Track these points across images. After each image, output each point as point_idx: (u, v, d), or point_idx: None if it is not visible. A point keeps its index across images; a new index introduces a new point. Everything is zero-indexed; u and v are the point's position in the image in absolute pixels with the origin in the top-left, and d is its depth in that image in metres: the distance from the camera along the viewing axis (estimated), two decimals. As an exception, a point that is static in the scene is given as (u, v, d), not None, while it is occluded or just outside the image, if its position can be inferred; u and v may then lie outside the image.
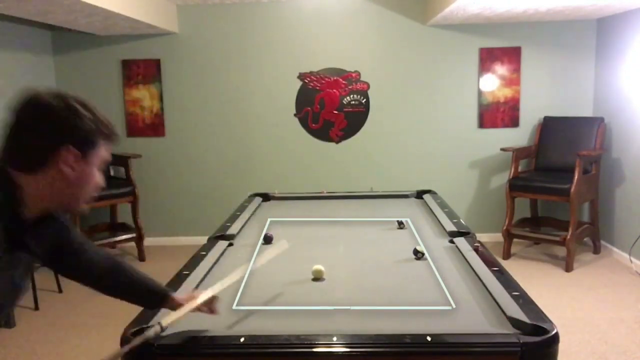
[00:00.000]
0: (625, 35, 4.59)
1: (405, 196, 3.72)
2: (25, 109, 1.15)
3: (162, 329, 1.46)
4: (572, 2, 4.06)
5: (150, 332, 1.43)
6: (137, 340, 1.40)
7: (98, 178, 1.25)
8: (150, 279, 1.60)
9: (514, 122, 5.21)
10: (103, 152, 1.23)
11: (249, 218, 3.13)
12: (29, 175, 1.15)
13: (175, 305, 1.58)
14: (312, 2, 5.14)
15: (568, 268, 4.43)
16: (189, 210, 5.46)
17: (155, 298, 1.59)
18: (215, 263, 2.30)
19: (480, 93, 5.19)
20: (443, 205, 3.26)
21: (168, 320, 1.49)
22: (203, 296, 1.61)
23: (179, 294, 1.67)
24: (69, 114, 1.15)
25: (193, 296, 1.62)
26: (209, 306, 1.64)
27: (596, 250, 4.87)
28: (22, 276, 1.21)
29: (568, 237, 4.40)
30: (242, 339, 1.52)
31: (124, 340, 1.53)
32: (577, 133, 4.85)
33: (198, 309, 1.60)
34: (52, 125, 1.14)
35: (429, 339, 1.50)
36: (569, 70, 5.13)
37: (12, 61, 4.75)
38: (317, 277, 2.09)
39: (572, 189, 4.36)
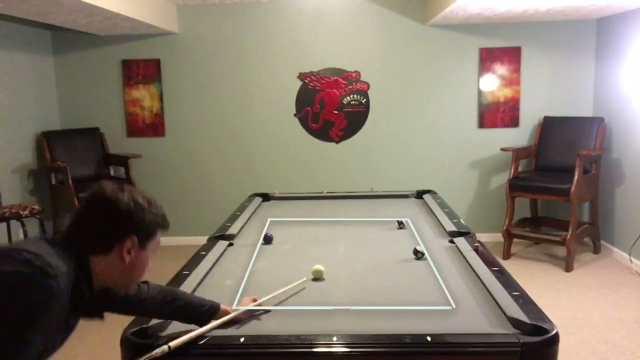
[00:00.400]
0: (625, 35, 4.59)
1: (405, 196, 3.72)
2: (96, 203, 1.32)
3: (170, 349, 1.48)
4: (572, 2, 4.06)
5: (158, 351, 1.47)
6: (142, 358, 1.44)
7: (149, 263, 1.41)
8: (199, 299, 1.71)
9: (514, 122, 5.21)
10: (158, 239, 1.41)
11: (249, 218, 3.13)
12: (96, 258, 1.31)
13: (220, 316, 1.67)
14: (312, 2, 5.14)
15: (568, 268, 4.43)
16: (189, 210, 5.46)
17: (206, 316, 1.66)
18: (215, 263, 2.30)
19: (480, 93, 5.19)
20: (443, 205, 3.26)
21: (177, 342, 1.51)
22: (248, 305, 1.74)
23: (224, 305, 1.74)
24: (135, 209, 1.32)
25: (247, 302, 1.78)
26: (249, 313, 1.76)
27: (596, 250, 4.87)
28: (64, 339, 1.33)
29: (568, 237, 4.40)
30: (242, 339, 1.53)
31: (124, 341, 1.54)
32: (577, 133, 4.85)
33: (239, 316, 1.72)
34: (120, 219, 1.31)
35: (429, 339, 1.50)
36: (569, 70, 5.13)
37: (12, 61, 4.75)
38: (317, 277, 2.09)
39: (572, 189, 4.36)
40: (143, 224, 1.33)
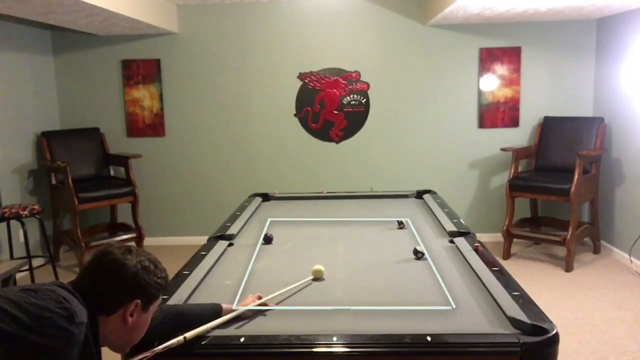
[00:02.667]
0: (625, 35, 4.59)
1: (405, 196, 3.72)
2: (105, 265, 1.34)
3: (185, 340, 1.51)
4: (572, 2, 4.06)
5: (173, 341, 1.49)
6: (159, 348, 1.46)
7: (148, 324, 1.45)
8: (203, 307, 1.71)
9: (514, 122, 5.21)
10: (159, 302, 1.45)
11: (249, 218, 3.13)
12: (103, 317, 1.34)
13: (225, 314, 1.69)
14: (312, 2, 5.14)
15: (568, 268, 4.43)
16: (189, 210, 5.46)
17: (212, 320, 1.66)
18: (215, 263, 2.30)
19: (480, 93, 5.19)
20: (443, 205, 3.26)
21: (192, 334, 1.54)
22: (252, 304, 1.76)
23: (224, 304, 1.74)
24: (142, 274, 1.36)
25: (250, 300, 1.79)
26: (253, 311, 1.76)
27: (596, 250, 4.87)
28: None
29: (568, 237, 4.40)
30: (242, 339, 1.53)
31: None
32: (577, 133, 4.85)
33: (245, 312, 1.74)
34: (128, 282, 1.34)
35: (429, 339, 1.50)
36: (569, 70, 5.13)
37: (12, 61, 4.75)
38: (317, 277, 2.09)
39: (572, 189, 4.36)
40: (149, 288, 1.37)
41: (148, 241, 5.17)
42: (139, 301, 1.36)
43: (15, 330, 1.14)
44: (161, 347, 1.46)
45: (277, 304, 1.85)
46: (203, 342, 1.54)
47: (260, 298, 1.81)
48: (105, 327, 1.35)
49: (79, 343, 1.22)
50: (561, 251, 4.71)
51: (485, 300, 1.84)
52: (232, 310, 1.71)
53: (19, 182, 4.79)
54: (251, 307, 1.76)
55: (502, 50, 5.12)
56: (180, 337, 1.50)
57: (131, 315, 1.36)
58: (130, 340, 1.42)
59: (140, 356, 1.42)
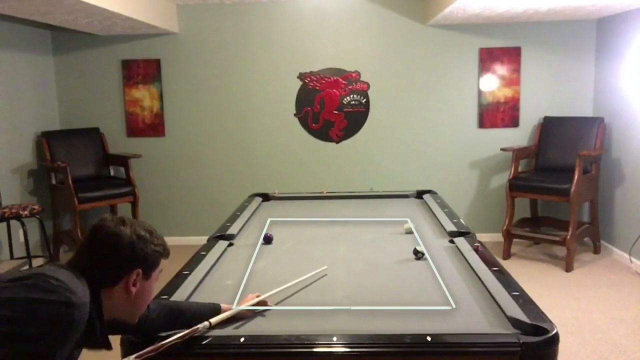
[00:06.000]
0: (625, 35, 4.59)
1: (405, 196, 3.72)
2: (101, 238, 1.35)
3: (210, 325, 1.58)
4: (572, 2, 4.06)
5: (200, 326, 1.55)
6: (187, 333, 1.50)
7: (153, 292, 1.48)
8: (201, 306, 1.73)
9: (514, 122, 5.21)
10: (160, 269, 1.45)
11: (249, 218, 3.13)
12: (106, 290, 1.34)
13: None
14: (312, 2, 5.14)
15: (568, 268, 4.43)
16: (189, 210, 5.46)
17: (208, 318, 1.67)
18: (215, 263, 2.30)
19: (480, 93, 5.19)
20: (443, 205, 3.26)
21: (217, 319, 1.61)
22: (251, 301, 1.77)
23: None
24: (138, 243, 1.35)
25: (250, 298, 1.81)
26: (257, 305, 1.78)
27: (596, 250, 4.87)
28: None
29: (568, 237, 4.40)
30: (242, 339, 1.52)
31: (124, 341, 1.54)
32: (577, 133, 4.85)
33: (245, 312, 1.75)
34: (125, 253, 1.34)
35: (429, 339, 1.50)
36: (569, 70, 5.13)
37: (12, 61, 4.75)
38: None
39: (572, 189, 4.36)
40: (147, 256, 1.37)
41: (148, 241, 5.16)
42: (139, 270, 1.36)
43: (12, 330, 1.13)
44: (188, 331, 1.50)
45: (276, 304, 1.85)
46: (203, 342, 1.53)
47: (259, 297, 1.80)
48: (110, 301, 1.35)
49: (82, 323, 1.21)
50: (561, 251, 4.71)
51: (485, 300, 1.84)
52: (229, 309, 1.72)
53: (19, 182, 4.79)
54: (249, 306, 1.75)
55: (502, 50, 5.12)
56: (206, 322, 1.56)
57: (134, 285, 1.37)
58: (137, 310, 1.43)
59: (152, 347, 1.43)
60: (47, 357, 1.16)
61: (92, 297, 1.27)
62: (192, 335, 1.51)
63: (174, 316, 1.63)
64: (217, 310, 1.69)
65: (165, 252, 1.44)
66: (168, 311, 1.63)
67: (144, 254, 1.36)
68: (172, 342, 1.46)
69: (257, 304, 1.78)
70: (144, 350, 1.41)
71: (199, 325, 1.53)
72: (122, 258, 1.34)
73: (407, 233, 2.71)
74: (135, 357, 1.37)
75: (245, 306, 1.74)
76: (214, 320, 1.58)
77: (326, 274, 2.12)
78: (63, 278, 1.22)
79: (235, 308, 1.72)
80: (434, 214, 3.13)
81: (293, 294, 1.95)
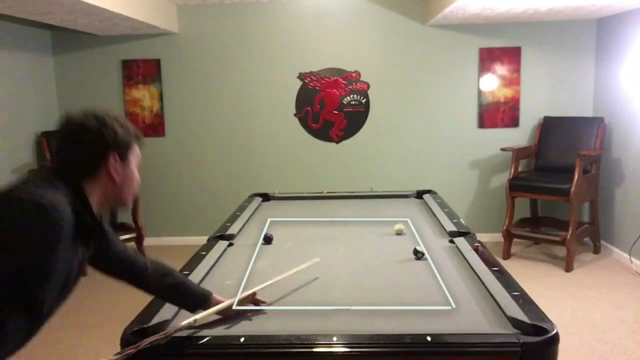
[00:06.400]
0: (625, 35, 4.59)
1: (405, 196, 3.72)
2: (68, 132, 1.38)
3: (195, 322, 1.57)
4: (572, 2, 4.06)
5: (184, 324, 1.53)
6: (171, 330, 1.50)
7: (137, 175, 1.52)
8: (193, 283, 1.77)
9: (514, 122, 5.21)
10: (137, 151, 1.53)
11: (249, 218, 3.13)
12: (88, 182, 1.37)
13: (213, 305, 1.68)
14: (312, 2, 5.14)
15: (568, 268, 4.43)
16: (189, 210, 5.46)
17: (197, 302, 1.69)
18: (215, 263, 2.30)
19: (480, 93, 5.19)
20: (443, 205, 3.26)
21: (201, 315, 1.61)
22: (242, 294, 1.76)
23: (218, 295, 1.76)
24: (105, 128, 1.37)
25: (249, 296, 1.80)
26: (252, 300, 1.79)
27: (596, 250, 4.87)
28: (78, 268, 1.39)
29: (568, 237, 4.40)
30: (242, 339, 1.52)
31: (124, 341, 1.54)
32: (577, 133, 4.85)
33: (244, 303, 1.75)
34: (95, 139, 1.36)
35: (429, 339, 1.50)
36: (569, 70, 5.13)
37: (12, 61, 4.75)
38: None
39: (572, 189, 4.36)
40: (117, 139, 1.40)
41: (148, 241, 5.18)
42: (114, 153, 1.40)
43: (3, 260, 1.18)
44: (186, 322, 1.51)
45: (276, 304, 1.85)
46: (202, 342, 1.54)
47: (255, 295, 1.80)
48: (97, 191, 1.39)
49: (65, 222, 1.24)
50: (561, 251, 4.71)
51: (485, 300, 1.84)
52: (221, 302, 1.71)
53: (19, 182, 4.78)
54: (241, 302, 1.74)
55: (502, 50, 5.12)
56: (191, 319, 1.55)
57: (117, 171, 1.40)
58: (126, 193, 1.48)
59: (150, 339, 1.43)
60: (44, 265, 1.23)
61: (73, 192, 1.31)
62: (173, 334, 1.50)
63: (165, 273, 1.66)
64: (207, 296, 1.70)
65: (136, 134, 1.50)
66: (162, 267, 1.67)
67: (113, 137, 1.39)
68: (153, 342, 1.44)
69: (254, 302, 1.80)
70: (124, 350, 1.40)
71: (183, 322, 1.53)
72: (92, 144, 1.36)
73: (396, 234, 2.69)
74: (114, 356, 1.36)
75: (228, 302, 1.72)
76: (198, 317, 1.58)
77: (318, 277, 2.09)
78: (35, 192, 1.24)
79: (225, 303, 1.70)
80: (434, 214, 3.13)
81: (293, 293, 1.95)
